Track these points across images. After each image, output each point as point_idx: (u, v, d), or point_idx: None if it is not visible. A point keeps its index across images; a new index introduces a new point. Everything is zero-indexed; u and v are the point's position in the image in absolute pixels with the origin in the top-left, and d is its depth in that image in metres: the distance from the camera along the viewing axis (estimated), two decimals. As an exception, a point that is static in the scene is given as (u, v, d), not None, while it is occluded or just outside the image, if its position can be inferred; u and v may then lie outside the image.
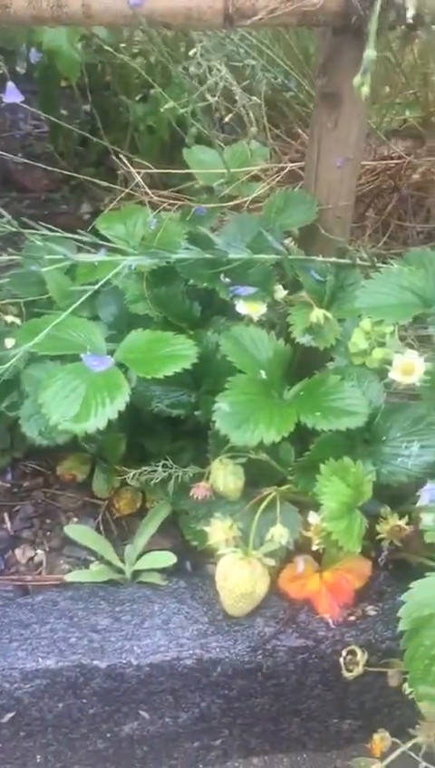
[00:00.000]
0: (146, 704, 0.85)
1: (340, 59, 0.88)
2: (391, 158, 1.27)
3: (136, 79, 1.43)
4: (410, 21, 0.65)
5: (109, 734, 0.87)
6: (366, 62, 0.52)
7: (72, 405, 0.81)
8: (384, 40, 1.19)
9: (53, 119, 1.48)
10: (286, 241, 1.05)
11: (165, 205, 1.16)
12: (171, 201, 1.18)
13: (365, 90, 0.53)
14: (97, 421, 0.80)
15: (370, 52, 0.53)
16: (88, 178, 1.34)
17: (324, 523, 0.77)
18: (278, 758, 0.92)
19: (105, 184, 1.29)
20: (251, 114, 1.17)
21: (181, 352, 0.86)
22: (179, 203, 1.20)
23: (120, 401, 0.81)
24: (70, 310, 0.84)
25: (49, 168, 1.42)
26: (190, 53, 0.97)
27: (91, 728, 0.86)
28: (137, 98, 1.49)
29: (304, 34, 1.31)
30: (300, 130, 1.32)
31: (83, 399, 0.81)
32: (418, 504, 0.74)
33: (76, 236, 0.89)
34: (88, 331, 0.89)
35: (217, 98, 1.05)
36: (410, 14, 0.64)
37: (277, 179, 1.18)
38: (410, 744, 0.83)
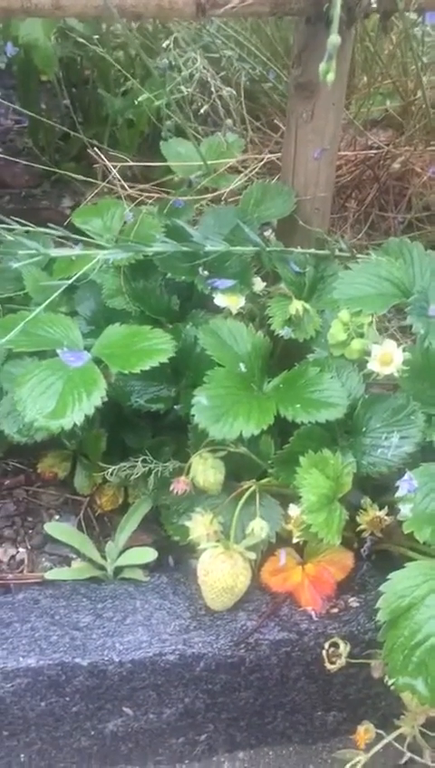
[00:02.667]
0: (129, 700, 0.85)
1: (314, 49, 0.87)
2: (371, 149, 1.26)
3: (116, 72, 1.42)
4: (374, 6, 0.65)
5: (93, 732, 0.86)
6: (330, 48, 0.51)
7: (49, 401, 0.80)
8: (361, 29, 1.18)
9: (32, 114, 1.47)
10: (267, 233, 1.05)
11: (143, 197, 1.15)
12: (150, 194, 1.17)
13: (331, 76, 0.53)
14: (74, 417, 0.79)
15: (334, 38, 0.52)
16: (67, 174, 1.33)
17: (304, 516, 0.77)
18: (264, 752, 0.92)
19: (84, 178, 1.28)
20: (230, 105, 1.16)
21: (158, 347, 0.85)
22: (158, 196, 1.19)
23: (97, 396, 0.80)
24: (43, 306, 0.83)
25: (29, 164, 1.41)
26: (164, 45, 0.96)
27: (74, 726, 0.86)
28: (118, 91, 1.48)
29: (284, 24, 1.30)
30: (280, 122, 1.31)
31: (60, 395, 0.81)
32: (396, 495, 0.74)
33: (50, 231, 0.88)
34: (65, 326, 0.89)
35: (193, 89, 1.04)
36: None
37: (256, 171, 1.18)
38: (394, 734, 0.83)
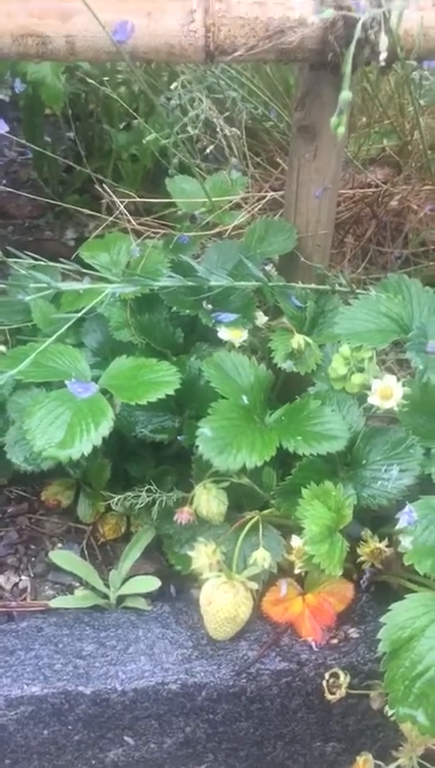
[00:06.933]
0: (131, 729, 0.85)
1: (317, 93, 0.91)
2: (370, 186, 1.30)
3: (120, 108, 1.46)
4: (383, 63, 0.68)
5: (94, 761, 0.87)
6: (341, 104, 0.54)
7: (57, 431, 0.82)
8: (361, 73, 1.22)
9: (37, 148, 1.50)
10: (268, 267, 1.08)
11: (149, 232, 1.18)
12: (155, 229, 1.20)
13: (341, 129, 0.55)
14: (82, 447, 0.81)
15: (345, 94, 0.55)
16: (71, 206, 1.36)
17: (306, 547, 0.78)
18: (263, 782, 0.92)
19: (88, 212, 1.31)
20: (232, 144, 1.20)
21: (164, 379, 0.87)
22: (162, 231, 1.21)
23: (105, 427, 0.82)
24: (54, 337, 0.85)
25: (32, 197, 1.44)
26: (172, 87, 1.00)
27: (76, 755, 0.86)
28: (121, 126, 1.51)
29: (284, 66, 1.34)
30: (280, 159, 1.35)
31: (68, 426, 0.82)
32: (396, 527, 0.76)
33: (60, 264, 0.90)
34: (73, 357, 0.90)
35: (198, 129, 1.07)
36: (382, 56, 0.67)
37: (258, 207, 1.21)
38: (393, 765, 0.84)
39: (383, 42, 0.66)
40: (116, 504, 0.93)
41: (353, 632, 0.87)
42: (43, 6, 0.82)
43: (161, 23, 0.82)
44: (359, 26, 0.63)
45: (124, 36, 0.82)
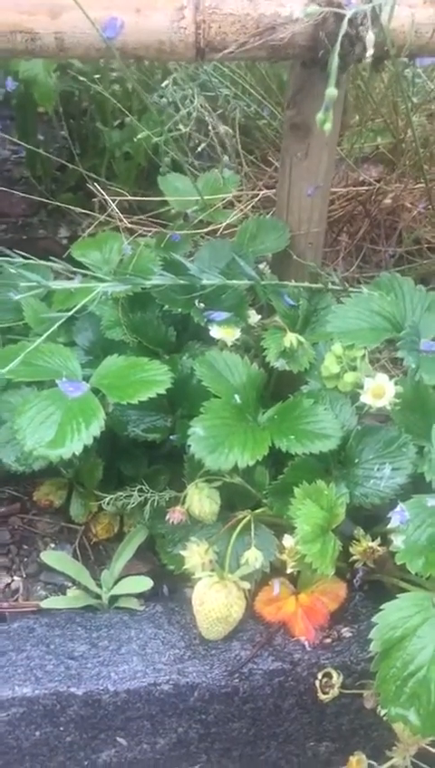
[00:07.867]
0: (123, 730, 0.85)
1: (309, 91, 0.90)
2: (363, 184, 1.29)
3: (113, 106, 1.45)
4: (370, 59, 0.68)
5: (86, 762, 0.86)
6: (328, 100, 0.54)
7: (48, 431, 0.82)
8: (354, 70, 1.22)
9: (30, 147, 1.50)
10: (260, 266, 1.07)
11: (141, 230, 1.18)
12: (147, 228, 1.20)
13: (328, 126, 0.55)
14: (72, 447, 0.80)
15: (331, 91, 0.54)
16: (64, 205, 1.36)
17: (298, 546, 0.78)
18: (257, 782, 0.92)
19: (81, 210, 1.31)
20: (226, 142, 1.19)
21: (156, 378, 0.87)
22: (155, 229, 1.21)
23: (96, 427, 0.81)
24: (44, 336, 0.84)
25: (26, 196, 1.43)
26: (163, 84, 0.99)
27: (68, 756, 0.86)
28: (114, 124, 1.51)
29: (278, 63, 1.34)
30: (274, 157, 1.35)
31: (59, 425, 0.82)
32: (389, 526, 0.75)
33: (52, 263, 0.90)
34: (64, 356, 0.90)
35: (190, 127, 1.07)
36: (369, 53, 0.66)
37: (252, 205, 1.20)
38: (386, 765, 0.83)
39: (370, 39, 0.66)
40: (108, 504, 0.92)
41: (346, 631, 0.87)
42: (32, 3, 0.82)
43: (151, 19, 0.82)
44: (344, 23, 0.63)
45: (114, 33, 0.81)
